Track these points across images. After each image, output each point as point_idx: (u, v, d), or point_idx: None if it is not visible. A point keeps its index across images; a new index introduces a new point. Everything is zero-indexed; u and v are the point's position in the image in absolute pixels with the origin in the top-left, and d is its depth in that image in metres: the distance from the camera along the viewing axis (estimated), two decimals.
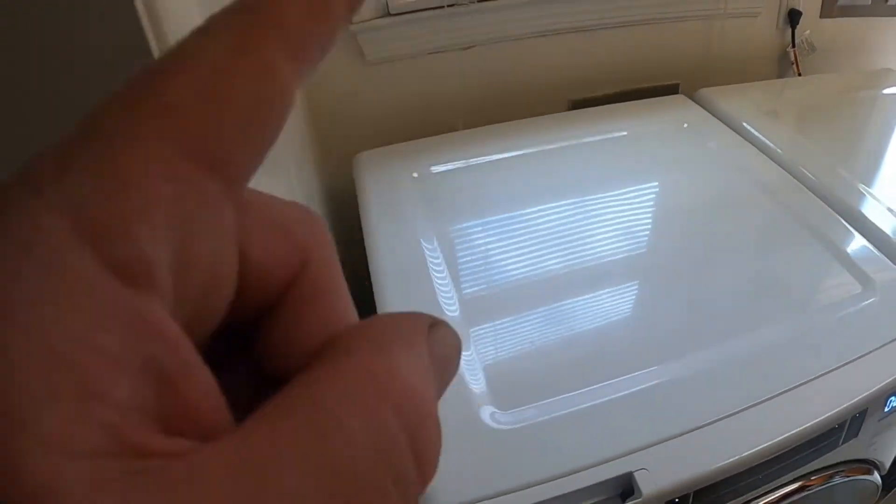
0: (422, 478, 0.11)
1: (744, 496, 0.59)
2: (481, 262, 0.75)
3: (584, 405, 0.57)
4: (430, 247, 0.76)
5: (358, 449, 0.10)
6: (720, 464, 0.54)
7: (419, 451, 0.11)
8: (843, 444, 0.64)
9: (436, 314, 0.13)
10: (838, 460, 0.67)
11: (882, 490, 0.88)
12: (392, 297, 0.69)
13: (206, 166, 0.10)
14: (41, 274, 0.09)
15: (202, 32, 0.11)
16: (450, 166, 0.90)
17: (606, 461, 0.53)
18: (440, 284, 0.71)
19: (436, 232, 0.78)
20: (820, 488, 0.66)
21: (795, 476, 0.63)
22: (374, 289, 0.70)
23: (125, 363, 0.09)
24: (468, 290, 0.71)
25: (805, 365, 0.62)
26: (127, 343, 0.09)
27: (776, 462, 0.58)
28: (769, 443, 0.56)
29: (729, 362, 0.62)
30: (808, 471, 0.64)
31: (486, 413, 0.57)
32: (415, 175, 0.87)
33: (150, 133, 0.10)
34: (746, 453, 0.55)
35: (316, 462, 0.09)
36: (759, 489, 0.60)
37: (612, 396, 0.58)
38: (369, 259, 0.75)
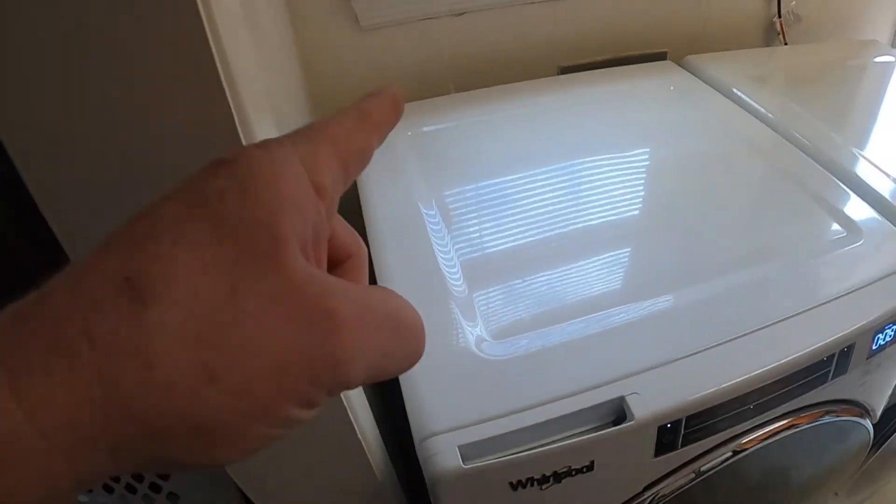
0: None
1: (734, 427, 0.60)
2: (475, 218, 0.76)
3: (576, 335, 0.58)
4: (426, 205, 0.76)
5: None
6: (711, 390, 0.55)
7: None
8: (832, 379, 0.65)
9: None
10: (829, 398, 0.68)
11: (873, 446, 0.89)
12: (390, 256, 0.69)
13: (344, 169, 0.21)
14: (287, 167, 0.18)
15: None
16: (442, 126, 0.91)
17: (598, 386, 0.53)
18: (435, 236, 0.71)
19: (432, 189, 0.79)
20: (810, 426, 0.67)
21: (786, 411, 0.64)
22: (372, 248, 0.70)
23: (313, 212, 0.19)
24: (464, 246, 0.71)
25: (793, 300, 0.63)
26: (315, 207, 0.19)
27: (766, 391, 0.59)
28: (759, 371, 0.57)
29: (719, 296, 0.63)
30: (799, 406, 0.65)
31: (478, 344, 0.57)
32: (409, 133, 0.88)
33: (322, 144, 0.20)
34: (737, 380, 0.56)
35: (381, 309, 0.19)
36: (750, 421, 0.61)
37: (605, 327, 0.59)
38: (366, 221, 0.75)
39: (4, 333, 0.14)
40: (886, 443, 0.95)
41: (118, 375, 0.14)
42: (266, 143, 0.19)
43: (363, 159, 0.22)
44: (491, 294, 0.64)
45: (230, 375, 0.15)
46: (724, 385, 0.55)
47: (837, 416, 0.70)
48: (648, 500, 0.60)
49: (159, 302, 0.15)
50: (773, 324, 0.61)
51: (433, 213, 0.75)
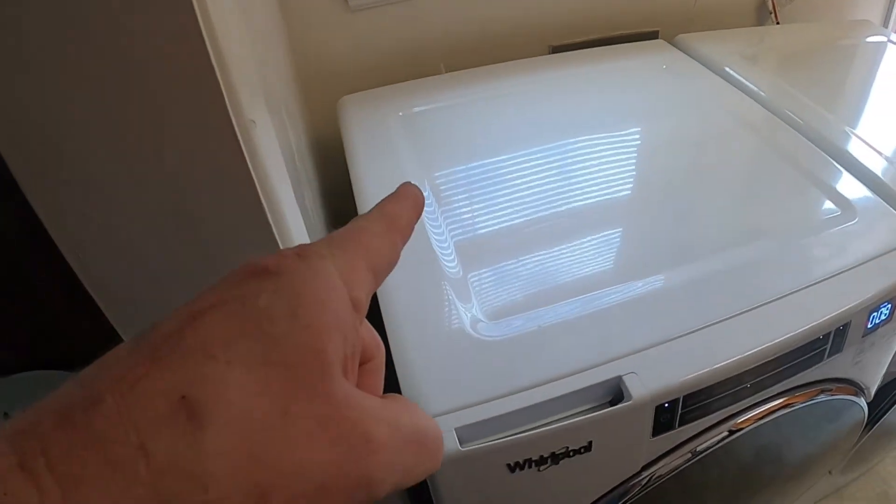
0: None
1: (731, 406, 0.59)
2: (466, 198, 0.75)
3: (572, 316, 0.57)
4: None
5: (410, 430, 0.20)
6: (708, 369, 0.54)
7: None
8: (828, 357, 0.64)
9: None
10: (824, 377, 0.68)
11: (867, 424, 0.90)
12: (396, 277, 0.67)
13: (375, 279, 0.22)
14: (329, 284, 0.19)
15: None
16: (434, 106, 0.90)
17: (595, 366, 0.53)
18: (428, 217, 0.70)
19: (423, 169, 0.78)
20: (805, 405, 0.67)
21: (782, 390, 0.64)
22: None
23: (352, 330, 0.19)
24: (456, 227, 0.70)
25: (789, 279, 0.63)
26: (353, 324, 0.19)
27: (763, 370, 0.58)
28: (755, 349, 0.57)
29: (715, 275, 0.62)
30: (794, 385, 0.65)
31: (473, 325, 0.57)
32: (400, 114, 0.86)
33: (358, 257, 0.21)
34: (733, 359, 0.55)
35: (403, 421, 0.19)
36: (746, 400, 0.60)
37: (600, 307, 0.58)
38: (357, 201, 0.74)
39: (52, 439, 0.15)
40: (880, 421, 0.95)
41: (174, 495, 0.15)
42: (306, 254, 0.20)
43: (392, 266, 0.23)
44: (485, 275, 0.63)
45: (279, 495, 0.16)
46: (721, 364, 0.55)
47: (832, 395, 0.70)
48: (645, 481, 0.60)
49: (215, 422, 0.15)
50: (768, 302, 0.61)
51: (425, 193, 0.74)
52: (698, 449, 0.60)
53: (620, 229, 0.69)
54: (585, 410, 0.51)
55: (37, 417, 0.15)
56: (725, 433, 0.62)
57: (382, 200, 0.24)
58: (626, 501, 0.60)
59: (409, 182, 0.26)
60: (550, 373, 0.52)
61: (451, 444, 0.48)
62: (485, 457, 0.49)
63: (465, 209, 0.72)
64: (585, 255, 0.65)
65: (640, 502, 0.62)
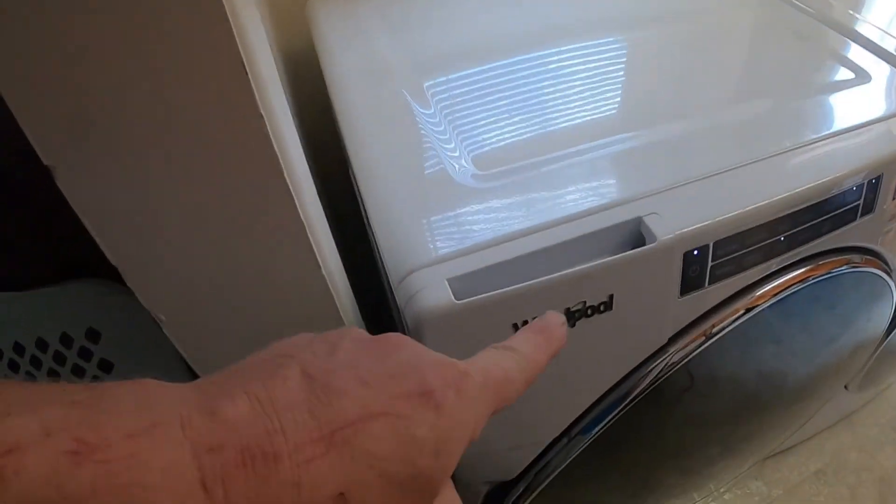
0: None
1: (763, 264, 0.51)
2: (461, 100, 0.65)
3: (579, 160, 0.48)
4: (416, 99, 0.64)
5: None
6: (740, 210, 0.46)
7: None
8: (860, 217, 0.57)
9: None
10: (853, 244, 0.61)
11: (892, 321, 0.83)
12: (371, 141, 0.57)
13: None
14: (467, 434, 0.22)
15: None
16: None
17: (610, 207, 0.44)
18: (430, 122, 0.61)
19: (415, 75, 0.67)
20: (835, 273, 0.60)
21: (812, 253, 0.56)
22: (350, 151, 0.57)
23: None
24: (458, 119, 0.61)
25: (818, 127, 0.56)
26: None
27: (797, 219, 0.50)
28: (789, 192, 0.49)
29: (741, 121, 0.55)
30: (824, 249, 0.57)
31: (463, 174, 0.47)
32: (377, 12, 0.76)
33: (493, 407, 0.25)
34: (767, 201, 0.48)
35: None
36: (778, 259, 0.52)
37: (612, 151, 0.49)
38: (340, 122, 0.63)
39: (233, 476, 0.18)
40: None
41: None
42: (463, 390, 0.22)
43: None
44: (471, 124, 0.54)
45: None
46: (753, 206, 0.47)
47: (859, 266, 0.63)
48: (659, 369, 0.51)
49: None
50: (800, 147, 0.53)
51: (427, 107, 0.64)
52: (713, 331, 0.52)
53: (625, 89, 0.61)
54: (602, 257, 0.42)
55: (220, 439, 0.18)
56: (742, 311, 0.53)
57: (532, 331, 0.27)
58: (643, 394, 0.52)
59: (556, 316, 0.29)
60: (556, 215, 0.43)
61: (443, 297, 0.39)
62: (485, 314, 0.40)
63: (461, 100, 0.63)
64: (592, 105, 0.56)
65: (654, 405, 0.54)
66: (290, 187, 0.34)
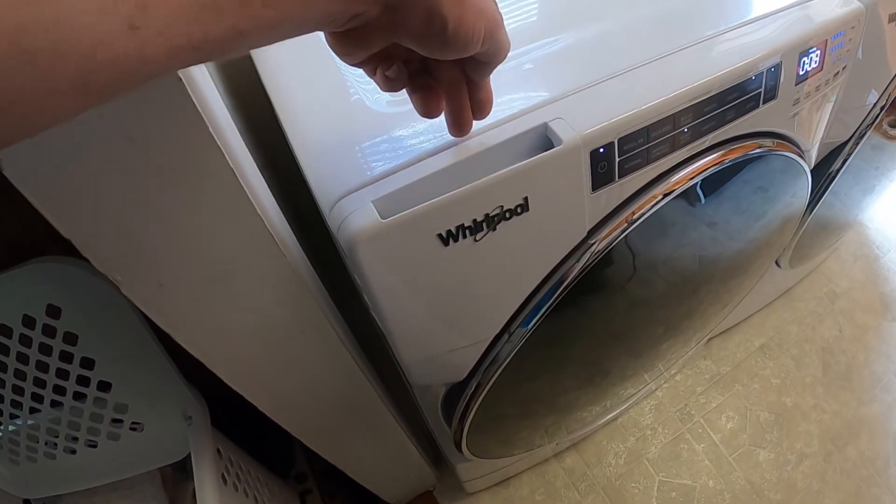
0: None
1: (670, 156, 0.55)
2: None
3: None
4: None
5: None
6: (641, 107, 0.50)
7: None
8: (763, 104, 0.61)
9: None
10: (762, 129, 0.65)
11: (810, 201, 0.89)
12: (291, 85, 0.59)
13: None
14: None
15: None
16: None
17: (516, 117, 0.47)
18: None
19: None
20: (750, 156, 0.64)
21: (720, 140, 0.60)
22: (273, 96, 0.60)
23: None
24: None
25: (718, 20, 0.59)
26: None
27: (699, 111, 0.54)
28: (688, 86, 0.52)
29: (636, 22, 0.57)
30: (733, 135, 0.61)
31: (376, 102, 0.50)
32: None
33: None
34: (667, 96, 0.51)
35: None
36: (686, 149, 0.56)
37: (511, 62, 0.52)
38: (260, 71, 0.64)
39: None
40: (821, 202, 0.95)
41: None
42: None
43: None
44: None
45: None
46: (654, 102, 0.50)
47: (772, 150, 0.68)
48: (586, 258, 0.55)
49: None
50: (697, 43, 0.57)
51: None
52: (634, 217, 0.56)
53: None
54: (515, 162, 0.46)
55: None
56: (660, 197, 0.58)
57: None
58: (575, 282, 0.57)
59: None
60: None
61: (370, 217, 0.42)
62: (411, 228, 0.43)
63: None
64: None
65: (582, 295, 0.58)
66: (221, 150, 0.36)
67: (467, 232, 0.45)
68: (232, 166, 0.38)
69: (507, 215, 0.46)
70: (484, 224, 0.46)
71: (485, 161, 0.45)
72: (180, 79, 0.34)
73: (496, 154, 0.45)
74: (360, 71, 0.49)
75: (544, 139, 0.47)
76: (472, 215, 0.45)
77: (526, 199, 0.46)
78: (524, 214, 0.47)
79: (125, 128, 0.34)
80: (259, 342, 0.54)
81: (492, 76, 0.40)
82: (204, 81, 0.38)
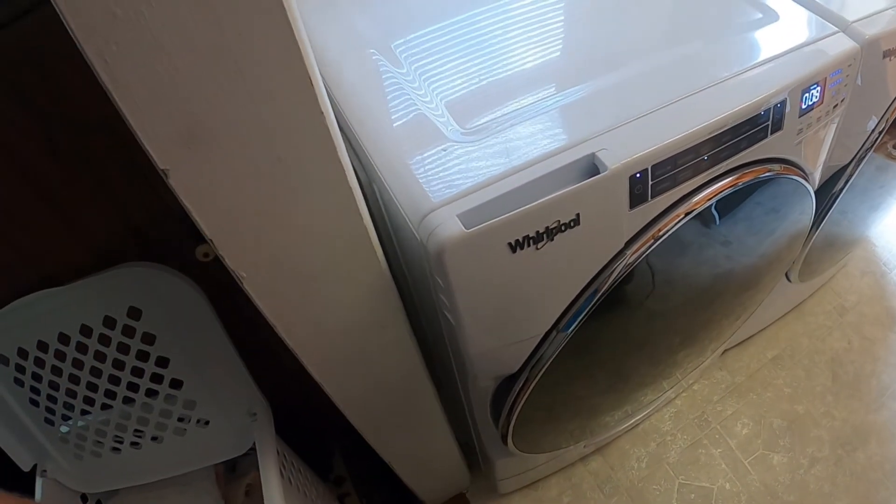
0: None
1: (693, 179, 0.65)
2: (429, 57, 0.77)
3: (539, 111, 0.62)
4: (389, 60, 0.77)
5: None
6: (670, 139, 0.60)
7: None
8: (771, 134, 0.71)
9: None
10: (770, 156, 0.75)
11: (815, 219, 0.98)
12: (365, 110, 0.69)
13: None
14: None
15: None
16: None
17: (569, 148, 0.58)
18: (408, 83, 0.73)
19: (387, 42, 0.79)
20: (756, 180, 0.74)
21: (734, 166, 0.70)
22: (342, 110, 0.70)
23: None
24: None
25: (731, 65, 0.69)
26: None
27: (717, 141, 0.64)
28: (708, 121, 0.63)
29: (662, 68, 0.68)
30: (745, 161, 0.71)
31: (451, 131, 0.61)
32: None
33: None
34: (691, 130, 0.62)
35: None
36: (706, 173, 0.67)
37: (564, 103, 0.63)
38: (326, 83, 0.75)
39: None
40: (826, 218, 1.04)
41: None
42: None
43: None
44: (452, 89, 0.67)
45: None
46: (681, 135, 0.61)
47: (780, 174, 0.78)
48: (619, 270, 0.65)
49: None
50: (714, 85, 0.67)
51: (399, 65, 0.76)
52: (661, 232, 0.66)
53: (569, 44, 0.74)
54: (569, 185, 0.56)
55: None
56: (684, 214, 0.68)
57: None
58: (609, 292, 0.66)
59: None
60: (530, 157, 0.57)
61: (456, 228, 0.53)
62: (488, 237, 0.54)
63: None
64: (537, 62, 0.69)
65: (612, 307, 0.68)
66: (343, 168, 0.47)
67: (531, 241, 0.56)
68: (350, 184, 0.48)
69: (563, 228, 0.57)
70: (544, 235, 0.56)
71: (545, 183, 0.56)
72: (322, 112, 0.44)
73: (554, 178, 0.56)
74: (423, 92, 0.60)
75: (592, 166, 0.58)
76: (535, 227, 0.55)
77: (578, 214, 0.57)
78: (576, 228, 0.57)
79: (276, 150, 0.45)
80: (344, 335, 0.64)
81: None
82: (327, 110, 0.48)
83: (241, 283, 0.54)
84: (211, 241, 0.49)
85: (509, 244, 0.55)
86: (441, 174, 0.57)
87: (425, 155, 0.59)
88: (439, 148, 0.59)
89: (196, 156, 0.43)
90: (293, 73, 0.41)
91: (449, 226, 0.53)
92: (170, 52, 0.37)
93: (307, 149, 0.46)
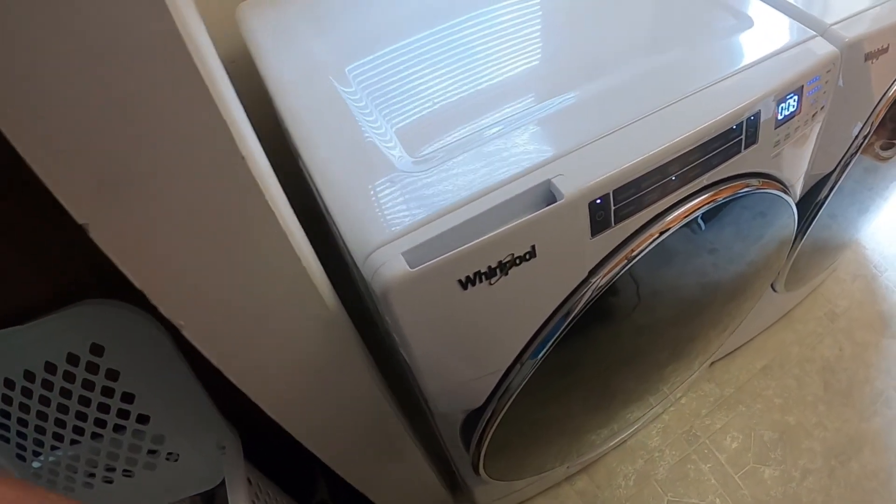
0: None
1: (661, 201, 0.61)
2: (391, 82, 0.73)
3: (491, 135, 0.58)
4: (342, 84, 0.73)
5: None
6: (633, 161, 0.56)
7: None
8: (745, 149, 0.67)
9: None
10: (747, 171, 0.71)
11: (798, 230, 0.95)
12: (316, 138, 0.65)
13: None
14: None
15: None
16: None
17: (523, 175, 0.54)
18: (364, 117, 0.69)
19: (341, 61, 0.75)
20: (732, 198, 0.70)
21: (708, 183, 0.67)
22: (294, 137, 0.66)
23: None
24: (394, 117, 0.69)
25: (698, 77, 0.65)
26: None
27: (686, 160, 0.61)
28: (675, 140, 0.59)
29: (625, 83, 0.64)
30: (719, 178, 0.68)
31: (398, 160, 0.57)
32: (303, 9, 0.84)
33: None
34: (655, 150, 0.58)
35: None
36: (675, 194, 0.63)
37: (518, 125, 0.59)
38: (278, 105, 0.71)
39: None
40: (810, 229, 1.01)
41: None
42: None
43: None
44: (404, 113, 0.63)
45: None
46: (645, 156, 0.57)
47: (758, 189, 0.74)
48: (590, 293, 0.61)
49: None
50: (681, 100, 0.63)
51: (351, 90, 0.72)
52: (633, 254, 0.62)
53: (531, 56, 0.70)
54: (523, 215, 0.52)
55: None
56: (656, 235, 0.64)
57: None
58: (576, 318, 0.63)
59: None
60: (481, 187, 0.53)
61: (400, 267, 0.49)
62: (436, 276, 0.50)
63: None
64: (496, 80, 0.65)
65: (588, 326, 0.64)
66: (273, 212, 0.43)
67: (483, 277, 0.52)
68: (285, 230, 0.44)
69: (518, 261, 0.53)
70: (497, 270, 0.52)
71: (497, 215, 0.52)
72: (243, 157, 0.40)
73: (507, 208, 0.52)
74: (377, 123, 0.56)
75: (548, 193, 0.54)
76: (487, 262, 0.51)
77: (533, 247, 0.53)
78: (532, 260, 0.53)
79: (200, 196, 0.41)
80: (298, 374, 0.61)
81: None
82: (249, 153, 0.45)
83: (181, 330, 0.51)
84: (142, 292, 0.46)
85: (459, 281, 0.51)
86: (388, 207, 0.53)
87: (372, 187, 0.55)
88: (386, 179, 0.55)
89: (116, 207, 0.39)
90: (206, 116, 0.38)
91: (393, 265, 0.49)
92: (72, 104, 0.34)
93: (232, 193, 0.42)
